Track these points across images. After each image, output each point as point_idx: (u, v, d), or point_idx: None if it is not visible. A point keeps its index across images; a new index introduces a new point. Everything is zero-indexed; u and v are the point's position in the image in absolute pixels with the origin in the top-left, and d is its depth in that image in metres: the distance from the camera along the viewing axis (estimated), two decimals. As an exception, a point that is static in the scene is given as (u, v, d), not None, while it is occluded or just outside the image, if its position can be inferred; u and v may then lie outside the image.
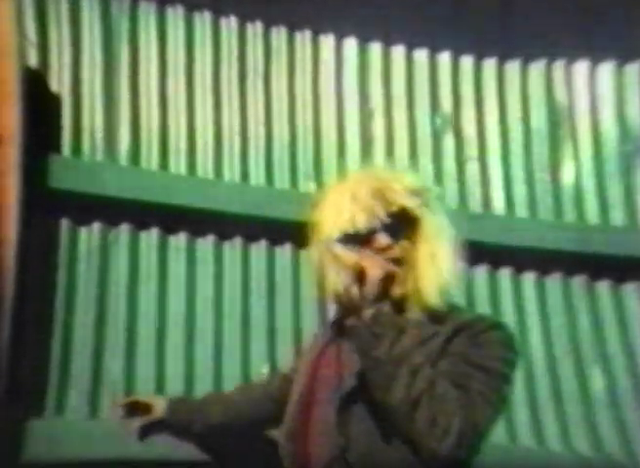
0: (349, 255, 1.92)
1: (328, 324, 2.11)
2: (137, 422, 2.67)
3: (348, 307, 1.86)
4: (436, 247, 1.97)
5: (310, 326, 3.07)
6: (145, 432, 2.68)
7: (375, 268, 1.89)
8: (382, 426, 1.84)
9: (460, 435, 1.76)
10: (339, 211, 1.96)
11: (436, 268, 1.95)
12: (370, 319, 1.82)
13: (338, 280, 1.89)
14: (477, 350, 1.91)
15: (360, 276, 1.88)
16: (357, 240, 1.94)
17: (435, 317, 1.95)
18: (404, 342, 1.83)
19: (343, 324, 1.90)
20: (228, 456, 2.72)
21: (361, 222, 1.93)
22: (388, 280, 1.93)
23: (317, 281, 2.04)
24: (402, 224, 1.97)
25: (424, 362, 1.84)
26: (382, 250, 1.94)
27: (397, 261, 1.95)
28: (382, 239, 1.94)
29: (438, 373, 1.83)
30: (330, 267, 1.95)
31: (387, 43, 3.62)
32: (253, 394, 2.59)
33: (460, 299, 3.33)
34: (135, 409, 2.70)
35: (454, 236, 2.01)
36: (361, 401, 1.88)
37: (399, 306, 1.96)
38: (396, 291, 1.96)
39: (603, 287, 3.53)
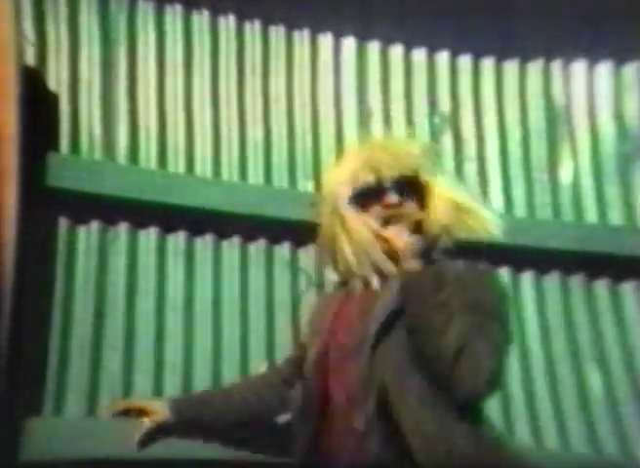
0: (362, 223, 2.06)
1: (337, 285, 2.25)
2: (140, 430, 2.61)
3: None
4: (449, 201, 2.09)
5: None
6: (150, 439, 2.63)
7: (399, 240, 2.01)
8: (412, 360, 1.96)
9: (491, 374, 1.93)
10: (351, 169, 2.08)
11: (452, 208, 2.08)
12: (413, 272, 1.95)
13: (348, 248, 2.06)
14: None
15: (390, 251, 2.02)
16: (367, 197, 2.06)
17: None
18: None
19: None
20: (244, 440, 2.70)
21: (376, 178, 2.05)
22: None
23: (325, 246, 2.17)
24: (411, 188, 2.08)
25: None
26: (392, 206, 2.05)
27: (404, 218, 2.07)
28: (392, 197, 2.05)
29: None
30: (341, 234, 2.08)
31: (386, 42, 3.62)
32: (255, 388, 2.59)
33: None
34: (130, 413, 2.65)
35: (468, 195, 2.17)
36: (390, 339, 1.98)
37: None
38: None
39: (601, 286, 3.53)
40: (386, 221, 2.08)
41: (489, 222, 2.13)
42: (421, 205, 2.10)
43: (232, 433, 2.65)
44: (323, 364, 2.12)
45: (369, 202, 2.09)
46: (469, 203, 2.12)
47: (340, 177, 2.11)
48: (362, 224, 2.08)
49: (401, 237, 2.02)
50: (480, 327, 1.93)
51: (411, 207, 2.09)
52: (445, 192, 2.10)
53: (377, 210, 2.08)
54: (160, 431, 2.59)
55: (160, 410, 2.57)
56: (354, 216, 2.09)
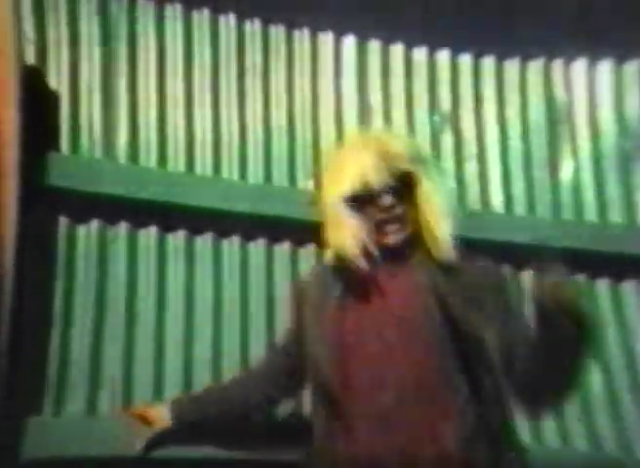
0: (355, 222, 2.19)
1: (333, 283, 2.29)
2: (140, 440, 2.63)
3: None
4: (436, 206, 2.21)
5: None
6: (152, 446, 2.64)
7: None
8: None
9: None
10: (346, 172, 2.18)
11: (438, 224, 2.19)
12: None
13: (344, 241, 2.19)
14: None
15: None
16: (362, 200, 2.17)
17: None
18: None
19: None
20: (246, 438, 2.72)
21: (370, 182, 2.14)
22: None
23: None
24: (404, 187, 2.18)
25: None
26: (387, 209, 2.16)
27: (401, 219, 2.18)
28: (387, 199, 2.16)
29: None
30: (337, 229, 2.21)
31: (386, 42, 3.62)
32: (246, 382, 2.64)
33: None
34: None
35: (449, 198, 2.30)
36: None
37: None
38: (398, 240, 2.22)
39: (602, 285, 3.53)
40: (381, 224, 2.21)
41: (439, 243, 2.21)
42: (413, 199, 2.21)
43: (234, 431, 2.67)
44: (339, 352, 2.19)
45: (363, 204, 2.19)
46: (436, 217, 2.21)
47: (332, 185, 2.23)
48: (357, 225, 2.20)
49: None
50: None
51: (403, 207, 2.20)
52: (430, 197, 2.21)
53: (371, 212, 2.19)
54: (162, 437, 2.61)
55: (160, 417, 2.57)
56: (350, 219, 2.20)
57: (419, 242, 2.22)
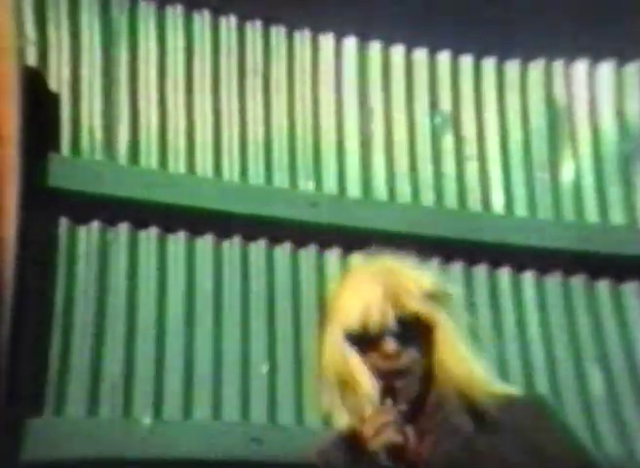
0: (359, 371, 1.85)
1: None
2: None
3: None
4: (451, 353, 1.87)
5: (310, 325, 3.06)
6: None
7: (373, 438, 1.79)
8: None
9: None
10: (349, 308, 1.88)
11: (465, 368, 1.86)
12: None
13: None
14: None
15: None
16: (364, 340, 1.84)
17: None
18: None
19: None
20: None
21: (370, 325, 1.83)
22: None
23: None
24: (413, 329, 1.86)
25: None
26: (390, 356, 1.83)
27: (401, 373, 1.84)
28: (390, 345, 1.83)
29: None
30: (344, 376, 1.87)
31: (387, 42, 3.62)
32: None
33: (458, 299, 3.35)
34: None
35: (467, 340, 1.91)
36: None
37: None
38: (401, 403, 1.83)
39: (603, 286, 3.52)
40: (384, 375, 1.83)
41: (478, 382, 1.85)
42: (424, 348, 1.87)
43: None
44: None
45: (365, 347, 1.86)
46: (469, 358, 1.88)
47: (340, 314, 1.90)
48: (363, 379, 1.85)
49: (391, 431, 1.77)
50: None
51: (410, 355, 1.84)
52: (449, 340, 1.88)
53: (373, 358, 1.84)
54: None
55: None
56: (354, 361, 1.87)
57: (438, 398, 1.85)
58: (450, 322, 1.87)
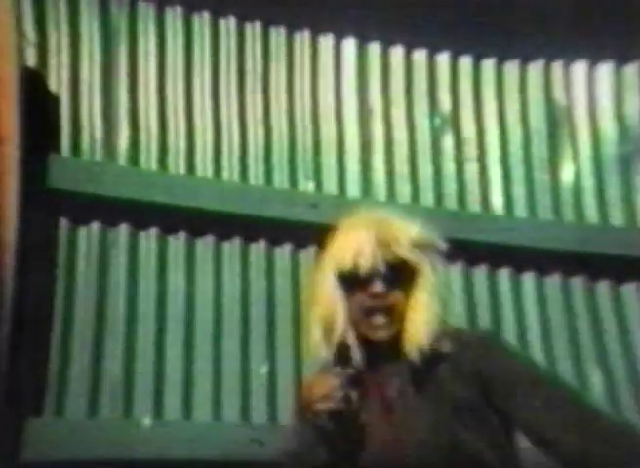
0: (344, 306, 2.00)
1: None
2: None
3: None
4: (426, 299, 2.00)
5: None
6: None
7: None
8: None
9: None
10: (343, 251, 2.01)
11: (423, 315, 1.98)
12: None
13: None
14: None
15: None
16: (354, 280, 1.99)
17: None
18: None
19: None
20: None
21: (362, 267, 1.97)
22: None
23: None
24: (399, 274, 2.00)
25: None
26: (376, 296, 1.98)
27: (388, 310, 1.98)
28: (378, 286, 1.98)
29: None
30: (327, 308, 2.02)
31: (386, 43, 3.62)
32: None
33: (459, 299, 3.36)
34: None
35: (446, 291, 2.08)
36: None
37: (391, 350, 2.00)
38: (384, 336, 1.99)
39: (602, 286, 3.53)
40: (369, 312, 1.98)
41: (416, 335, 1.95)
42: (408, 288, 2.01)
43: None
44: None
45: (354, 287, 2.00)
46: (421, 315, 1.99)
47: (332, 258, 2.04)
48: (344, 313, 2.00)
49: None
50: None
51: (395, 297, 1.99)
52: (428, 286, 2.01)
53: (361, 298, 1.99)
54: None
55: None
56: (339, 301, 2.01)
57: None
58: (432, 269, 2.02)
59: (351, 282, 1.99)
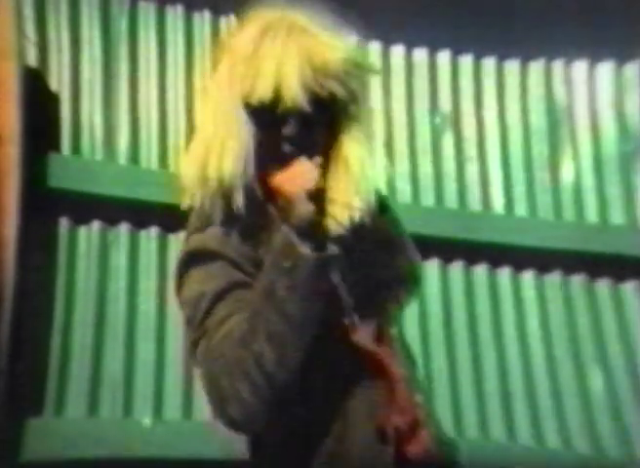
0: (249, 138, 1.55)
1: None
2: None
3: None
4: (355, 150, 1.61)
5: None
6: None
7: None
8: None
9: None
10: (258, 73, 1.53)
11: (353, 174, 1.58)
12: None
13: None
14: None
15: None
16: (268, 116, 1.54)
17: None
18: None
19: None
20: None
21: (280, 101, 1.52)
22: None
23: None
24: (324, 113, 1.57)
25: None
26: (291, 139, 1.55)
27: (299, 157, 1.55)
28: (295, 128, 1.55)
29: None
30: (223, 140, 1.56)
31: (387, 42, 3.62)
32: None
33: (459, 299, 3.36)
34: None
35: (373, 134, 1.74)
36: None
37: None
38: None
39: (602, 286, 3.53)
40: (284, 161, 1.55)
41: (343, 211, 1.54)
42: (330, 134, 1.60)
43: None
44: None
45: (270, 123, 1.55)
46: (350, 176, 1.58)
47: (241, 76, 1.55)
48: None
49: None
50: None
51: (313, 141, 1.57)
52: (357, 136, 1.61)
53: (273, 136, 1.56)
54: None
55: None
56: (247, 129, 1.56)
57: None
58: (361, 107, 1.63)
59: (263, 117, 1.54)
